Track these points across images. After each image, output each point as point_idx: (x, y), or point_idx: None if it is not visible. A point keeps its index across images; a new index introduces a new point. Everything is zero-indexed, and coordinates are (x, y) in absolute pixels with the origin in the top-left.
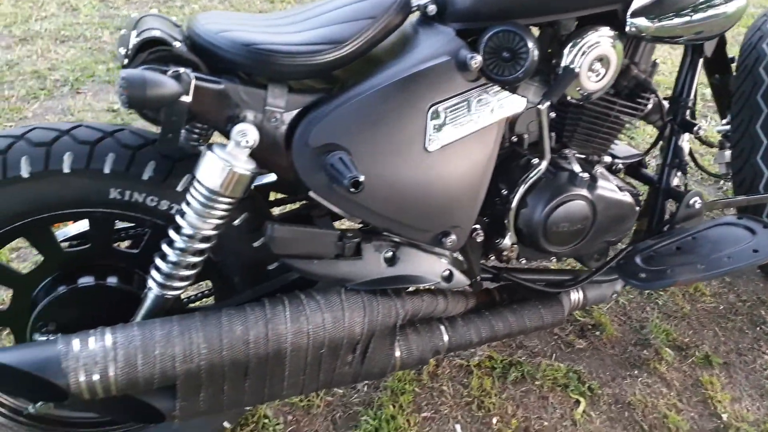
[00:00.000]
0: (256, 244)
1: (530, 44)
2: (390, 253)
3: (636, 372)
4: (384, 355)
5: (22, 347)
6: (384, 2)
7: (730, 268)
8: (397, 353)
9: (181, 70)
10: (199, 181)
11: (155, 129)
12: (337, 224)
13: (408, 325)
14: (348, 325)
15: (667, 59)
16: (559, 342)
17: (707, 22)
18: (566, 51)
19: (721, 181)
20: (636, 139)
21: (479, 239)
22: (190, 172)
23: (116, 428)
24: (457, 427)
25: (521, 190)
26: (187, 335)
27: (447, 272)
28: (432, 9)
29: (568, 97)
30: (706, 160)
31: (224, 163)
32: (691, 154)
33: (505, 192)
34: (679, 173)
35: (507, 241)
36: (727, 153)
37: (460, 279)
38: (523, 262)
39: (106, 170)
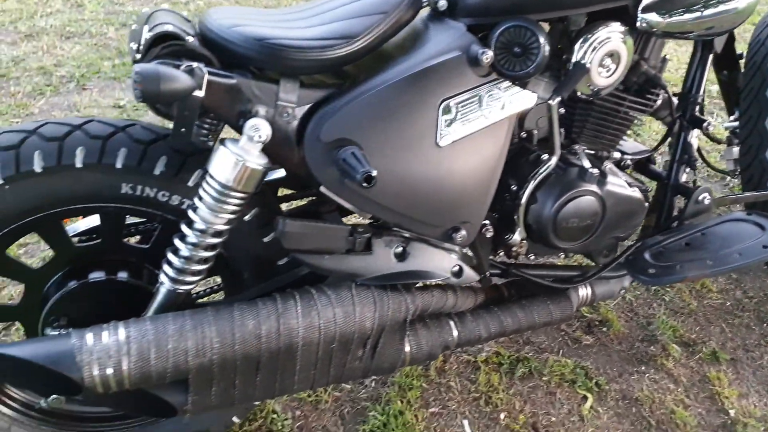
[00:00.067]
0: (266, 240)
1: (541, 39)
2: (400, 249)
3: (643, 368)
4: (394, 349)
5: (35, 341)
6: None
7: (739, 264)
8: (407, 348)
9: (194, 64)
10: (211, 176)
11: (166, 124)
12: (344, 220)
13: (417, 320)
14: (359, 320)
15: (673, 56)
16: (567, 338)
17: (718, 18)
18: (577, 46)
19: (728, 178)
20: (642, 135)
21: (489, 235)
22: (202, 167)
23: (127, 422)
24: (465, 422)
25: (531, 185)
26: (200, 329)
27: (457, 268)
28: (443, 4)
29: (578, 93)
30: (712, 156)
31: (237, 158)
32: (699, 150)
33: (515, 188)
34: (688, 169)
35: (516, 236)
36: (735, 149)
37: (470, 274)
38: (532, 257)
39: (118, 165)
